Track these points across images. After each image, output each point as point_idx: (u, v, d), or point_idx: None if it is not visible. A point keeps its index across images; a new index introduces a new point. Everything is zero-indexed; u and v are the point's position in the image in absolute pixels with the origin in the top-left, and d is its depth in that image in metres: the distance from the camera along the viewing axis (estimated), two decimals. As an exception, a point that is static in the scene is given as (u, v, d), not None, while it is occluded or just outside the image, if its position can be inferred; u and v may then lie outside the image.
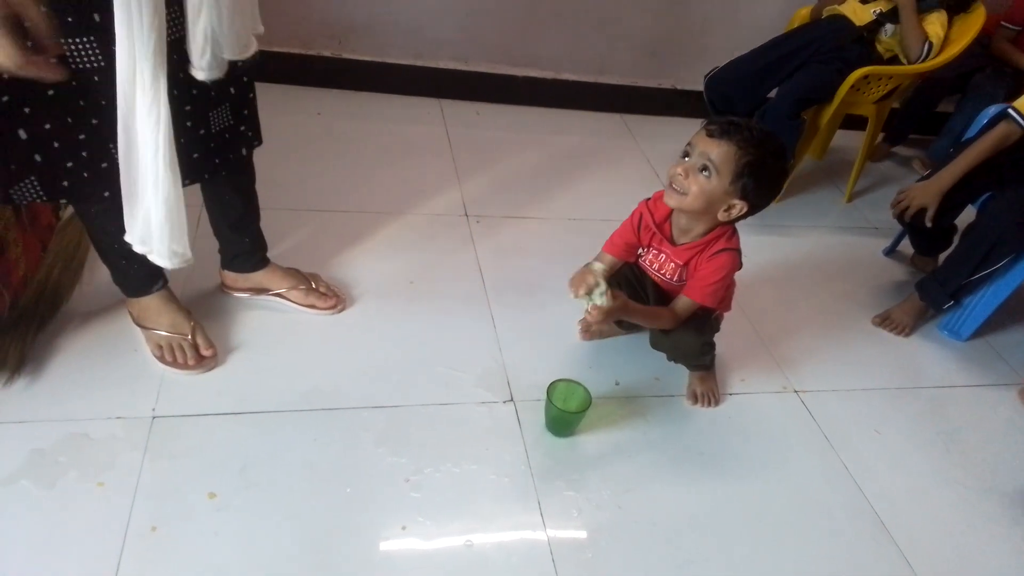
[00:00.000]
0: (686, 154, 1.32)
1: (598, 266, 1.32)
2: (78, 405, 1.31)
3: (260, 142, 1.42)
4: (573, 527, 1.29)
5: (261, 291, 1.60)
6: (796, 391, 1.69)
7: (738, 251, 1.40)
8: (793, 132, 2.21)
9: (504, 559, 1.22)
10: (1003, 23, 2.60)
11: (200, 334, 1.44)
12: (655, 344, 1.56)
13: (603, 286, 1.27)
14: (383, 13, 2.44)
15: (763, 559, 1.31)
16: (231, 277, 1.59)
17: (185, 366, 1.41)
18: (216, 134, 1.28)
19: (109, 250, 1.36)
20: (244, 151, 1.38)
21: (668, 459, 1.46)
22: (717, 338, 1.55)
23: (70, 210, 1.73)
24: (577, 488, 1.36)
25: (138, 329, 1.45)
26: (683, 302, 1.42)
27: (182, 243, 1.16)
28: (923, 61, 2.18)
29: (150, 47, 0.96)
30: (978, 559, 1.40)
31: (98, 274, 1.58)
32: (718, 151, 1.27)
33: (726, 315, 1.59)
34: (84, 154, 1.13)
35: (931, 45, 2.16)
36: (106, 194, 1.17)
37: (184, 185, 1.22)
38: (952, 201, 1.86)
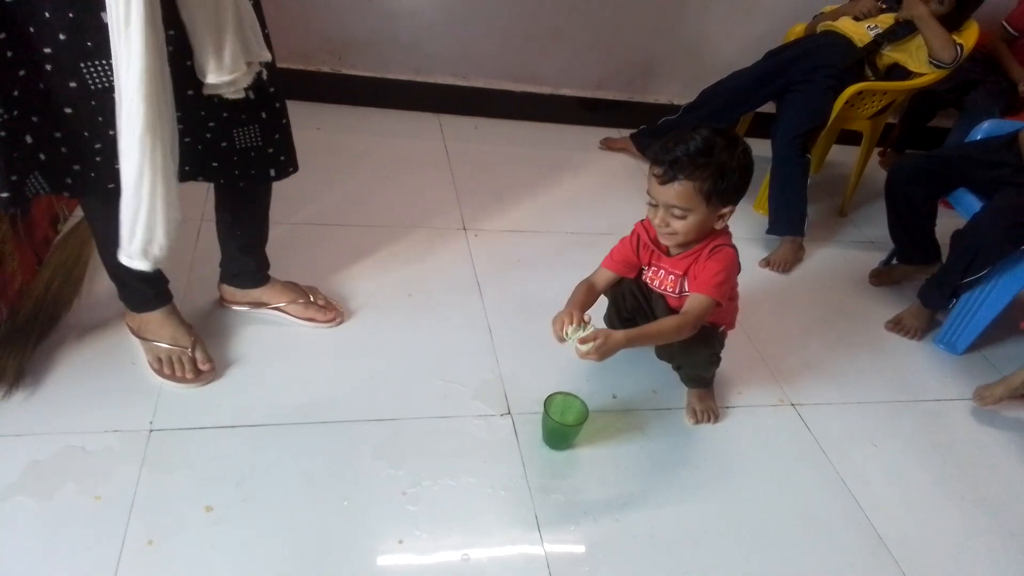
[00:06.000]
0: (653, 203, 1.33)
1: (572, 320, 1.29)
2: (76, 418, 1.31)
3: (295, 168, 1.41)
4: (571, 540, 1.29)
5: (260, 305, 1.61)
6: (793, 404, 1.70)
7: (734, 247, 1.40)
8: (805, 172, 2.20)
9: (501, 573, 1.22)
10: (1004, 22, 2.63)
11: (199, 348, 1.44)
12: (661, 355, 1.56)
13: (573, 327, 1.27)
14: (383, 29, 2.47)
15: (760, 572, 1.31)
16: (230, 291, 1.60)
17: (183, 379, 1.41)
18: (241, 150, 1.29)
19: (118, 267, 1.36)
20: (273, 172, 1.37)
21: (665, 472, 1.46)
22: (714, 351, 1.55)
23: (69, 223, 1.74)
24: (574, 501, 1.36)
25: (136, 342, 1.46)
26: (693, 300, 1.37)
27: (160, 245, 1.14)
28: (957, 63, 2.17)
29: (141, 64, 0.97)
30: (976, 572, 1.40)
31: (97, 287, 1.59)
32: (677, 194, 1.28)
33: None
34: (98, 159, 1.15)
35: (962, 46, 2.16)
36: (110, 185, 1.18)
37: (196, 179, 1.27)
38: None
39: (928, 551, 1.41)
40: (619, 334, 1.29)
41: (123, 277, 1.38)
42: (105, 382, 1.40)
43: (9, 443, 1.25)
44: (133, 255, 1.14)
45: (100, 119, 1.10)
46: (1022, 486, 1.60)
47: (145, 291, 1.41)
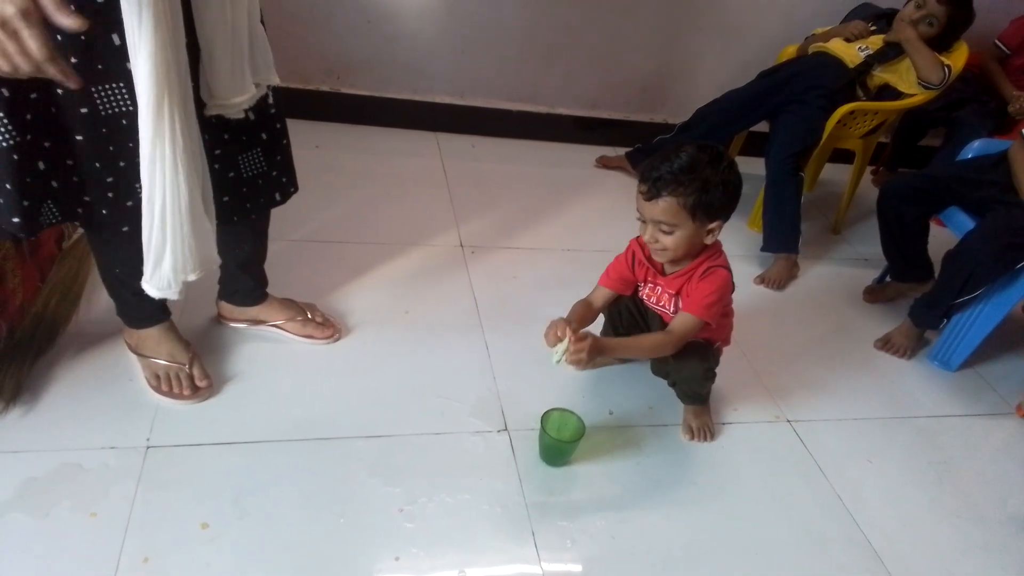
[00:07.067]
0: (641, 219, 1.36)
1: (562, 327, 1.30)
2: (72, 435, 1.31)
3: (296, 189, 1.42)
4: (567, 558, 1.29)
5: (258, 322, 1.61)
6: (789, 420, 1.70)
7: (727, 268, 1.42)
8: (798, 190, 2.22)
9: (498, 590, 1.22)
10: (997, 41, 2.66)
11: (197, 365, 1.44)
12: (657, 371, 1.57)
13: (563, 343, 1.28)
14: (381, 49, 2.50)
15: (757, 590, 1.31)
16: (228, 308, 1.61)
17: (180, 396, 1.41)
18: (248, 179, 1.30)
19: (118, 284, 1.36)
20: (278, 196, 1.38)
21: (662, 489, 1.47)
22: (710, 368, 1.56)
23: (71, 240, 1.75)
24: (571, 518, 1.36)
25: (134, 358, 1.46)
26: (680, 318, 1.41)
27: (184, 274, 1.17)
28: (945, 84, 2.19)
29: (155, 84, 0.97)
30: (972, 589, 1.40)
31: (95, 304, 1.60)
32: (662, 211, 1.31)
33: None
34: (110, 195, 1.14)
35: (950, 68, 2.18)
36: (124, 228, 1.18)
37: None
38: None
39: (925, 568, 1.41)
40: (604, 339, 1.36)
41: (121, 293, 1.39)
42: (102, 399, 1.40)
43: (6, 460, 1.25)
44: (160, 285, 1.15)
45: (111, 148, 1.08)
46: (1016, 502, 1.61)
47: (143, 307, 1.41)
